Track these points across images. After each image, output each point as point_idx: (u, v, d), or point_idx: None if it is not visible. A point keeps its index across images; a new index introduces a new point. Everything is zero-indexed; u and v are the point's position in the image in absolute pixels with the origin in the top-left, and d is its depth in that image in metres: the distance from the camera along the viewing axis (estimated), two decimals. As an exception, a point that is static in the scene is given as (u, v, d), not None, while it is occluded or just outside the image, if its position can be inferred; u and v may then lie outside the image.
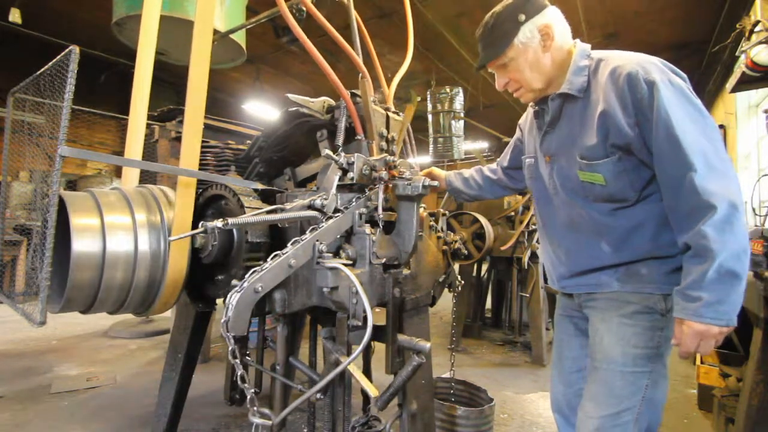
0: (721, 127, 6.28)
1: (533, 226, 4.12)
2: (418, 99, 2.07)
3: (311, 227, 1.34)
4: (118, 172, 8.40)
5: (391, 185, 1.54)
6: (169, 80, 8.59)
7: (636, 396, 1.28)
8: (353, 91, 1.65)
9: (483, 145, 13.65)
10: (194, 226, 1.63)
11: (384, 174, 1.50)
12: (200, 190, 1.78)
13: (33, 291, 1.50)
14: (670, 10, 6.47)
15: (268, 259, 1.21)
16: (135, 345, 4.47)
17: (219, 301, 1.75)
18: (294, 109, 1.69)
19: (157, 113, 2.63)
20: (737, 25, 3.10)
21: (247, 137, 2.51)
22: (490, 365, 4.11)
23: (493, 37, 1.37)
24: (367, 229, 1.44)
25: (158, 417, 2.28)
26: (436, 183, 1.50)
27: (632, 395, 1.28)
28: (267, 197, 1.77)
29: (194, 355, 2.29)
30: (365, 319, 1.20)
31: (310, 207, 1.39)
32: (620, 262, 1.33)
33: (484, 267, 5.27)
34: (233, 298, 1.11)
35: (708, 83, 7.49)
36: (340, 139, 1.64)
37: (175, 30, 3.48)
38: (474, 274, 4.96)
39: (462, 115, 7.07)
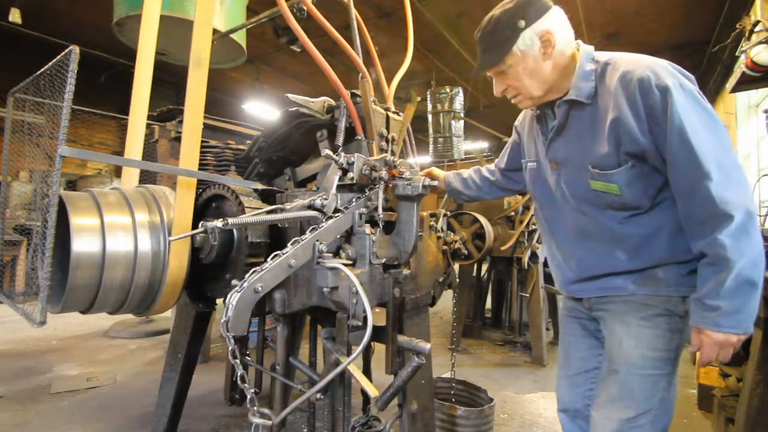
0: (722, 127, 6.27)
1: (533, 226, 4.12)
2: (418, 99, 2.07)
3: (311, 227, 1.33)
4: (118, 172, 8.35)
5: (391, 185, 1.53)
6: (169, 80, 8.58)
7: (654, 398, 1.28)
8: (353, 91, 1.65)
9: (483, 145, 13.66)
10: (194, 226, 1.63)
11: (384, 174, 1.50)
12: (200, 190, 1.78)
13: (33, 291, 1.50)
14: (670, 11, 6.48)
15: (268, 259, 1.20)
16: (135, 345, 4.47)
17: (219, 301, 1.75)
18: (294, 109, 1.69)
19: (157, 113, 2.62)
20: (737, 25, 3.09)
21: (247, 137, 2.50)
22: (490, 365, 4.11)
23: (491, 43, 1.31)
24: (367, 229, 1.44)
25: (158, 417, 2.28)
26: (435, 183, 1.49)
27: (650, 398, 1.28)
28: (267, 197, 1.77)
29: (194, 355, 2.29)
30: (365, 319, 1.20)
31: (310, 207, 1.38)
32: (636, 269, 1.31)
33: (484, 267, 5.27)
34: (233, 298, 1.11)
35: (708, 83, 7.48)
36: (340, 139, 1.63)
37: (175, 30, 3.47)
38: (474, 274, 4.96)
39: (462, 115, 7.08)
